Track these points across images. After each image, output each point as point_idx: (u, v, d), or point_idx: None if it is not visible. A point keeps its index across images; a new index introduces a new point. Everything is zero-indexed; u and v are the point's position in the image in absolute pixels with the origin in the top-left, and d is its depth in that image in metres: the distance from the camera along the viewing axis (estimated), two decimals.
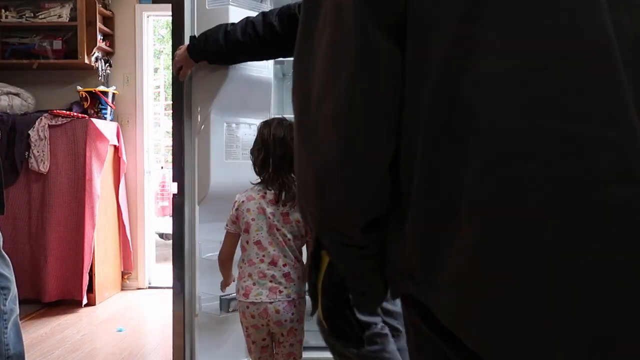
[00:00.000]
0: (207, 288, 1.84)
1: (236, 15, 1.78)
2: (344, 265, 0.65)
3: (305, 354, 1.97)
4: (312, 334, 2.20)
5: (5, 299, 1.71)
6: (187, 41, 1.80)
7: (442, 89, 0.50)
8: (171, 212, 1.88)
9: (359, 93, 0.54)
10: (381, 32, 0.52)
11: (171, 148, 1.90)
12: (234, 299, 1.68)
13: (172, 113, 1.91)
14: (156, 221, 4.68)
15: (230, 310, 1.78)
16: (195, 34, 1.80)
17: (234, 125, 1.87)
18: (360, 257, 0.63)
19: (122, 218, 3.47)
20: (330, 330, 0.72)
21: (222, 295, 1.77)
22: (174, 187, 1.86)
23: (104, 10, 3.50)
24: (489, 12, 0.49)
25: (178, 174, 1.86)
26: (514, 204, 0.46)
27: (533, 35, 0.47)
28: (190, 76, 1.82)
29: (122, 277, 3.57)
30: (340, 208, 0.58)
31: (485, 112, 0.48)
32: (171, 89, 1.88)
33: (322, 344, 1.69)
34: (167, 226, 5.97)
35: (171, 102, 1.89)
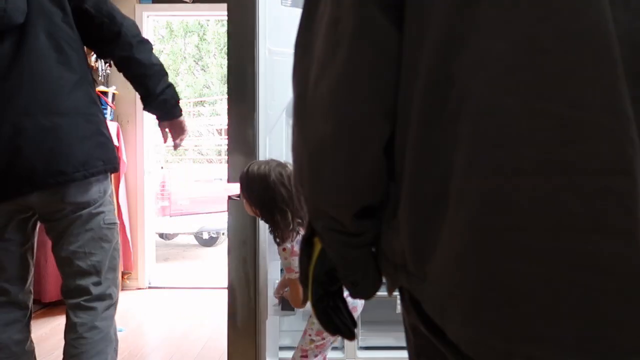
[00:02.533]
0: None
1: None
2: (335, 253, 0.64)
3: (281, 354, 1.99)
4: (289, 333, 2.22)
5: None
6: (262, 46, 1.71)
7: (438, 68, 0.50)
8: (228, 212, 1.77)
9: (355, 70, 0.53)
10: (380, 10, 0.52)
11: (227, 147, 1.80)
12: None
13: (231, 111, 1.75)
14: (156, 221, 4.68)
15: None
16: (267, 37, 1.72)
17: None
18: (352, 245, 0.62)
19: (122, 218, 3.47)
20: (318, 319, 0.71)
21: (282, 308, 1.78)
22: (233, 188, 1.73)
23: None
24: None
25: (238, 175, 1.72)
26: (504, 189, 0.45)
27: (534, 17, 0.46)
28: (254, 73, 1.72)
29: (122, 277, 3.57)
30: (333, 190, 0.58)
31: (481, 93, 0.47)
32: (228, 85, 1.75)
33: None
34: (167, 226, 6.00)
35: (228, 99, 1.76)
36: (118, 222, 1.56)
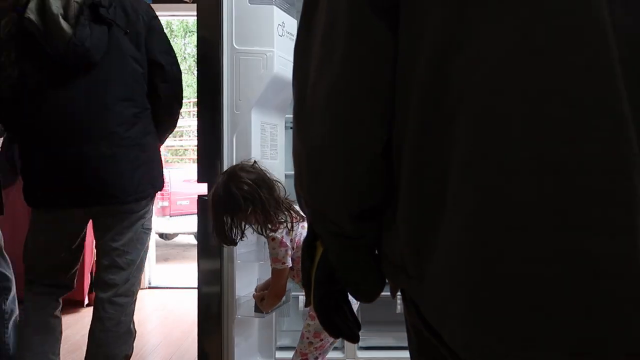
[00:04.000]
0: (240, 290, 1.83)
1: (279, 16, 1.79)
2: (335, 256, 0.64)
3: (280, 354, 1.99)
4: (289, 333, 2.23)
5: (6, 299, 1.72)
6: (227, 45, 1.71)
7: (435, 70, 0.50)
8: (198, 212, 1.76)
9: (351, 73, 0.53)
10: (375, 13, 0.52)
11: (196, 148, 1.80)
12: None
13: (200, 112, 1.76)
14: (156, 221, 4.67)
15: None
16: (234, 34, 1.73)
17: (266, 125, 1.86)
18: (352, 248, 0.62)
19: None
20: (321, 322, 0.71)
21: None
22: (201, 188, 1.74)
23: None
24: None
25: (207, 175, 1.74)
26: (501, 189, 0.45)
27: (528, 18, 0.46)
28: (219, 72, 1.72)
29: None
30: (331, 193, 0.58)
31: (477, 94, 0.47)
32: (197, 87, 1.77)
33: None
34: (168, 226, 6.00)
35: (197, 100, 1.77)
36: (152, 227, 1.77)
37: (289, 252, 1.59)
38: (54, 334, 1.67)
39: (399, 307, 2.07)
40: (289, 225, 1.58)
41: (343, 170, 0.56)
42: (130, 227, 1.65)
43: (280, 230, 1.58)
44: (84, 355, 1.65)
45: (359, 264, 0.64)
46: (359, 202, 0.58)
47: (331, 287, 0.69)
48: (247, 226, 1.59)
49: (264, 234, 1.59)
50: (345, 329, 0.71)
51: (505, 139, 0.45)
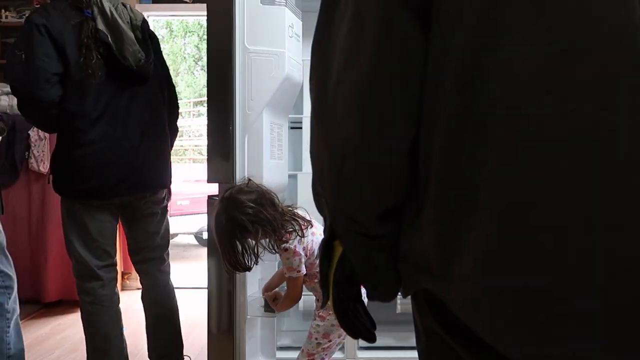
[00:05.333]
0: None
1: (289, 18, 1.79)
2: (356, 256, 0.63)
3: (281, 354, 1.99)
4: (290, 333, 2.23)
5: (9, 298, 1.72)
6: (239, 45, 1.74)
7: (467, 72, 0.49)
8: (208, 212, 1.75)
9: (381, 70, 0.52)
10: (406, 10, 0.52)
11: (207, 147, 1.79)
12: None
13: (210, 111, 1.77)
14: None
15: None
16: (246, 34, 1.75)
17: (274, 125, 1.86)
18: (374, 248, 0.61)
19: None
20: (340, 322, 0.70)
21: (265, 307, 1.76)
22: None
23: None
24: None
25: (217, 175, 1.75)
26: (539, 190, 0.45)
27: (562, 19, 0.46)
28: (231, 72, 1.74)
29: (122, 277, 3.57)
30: (356, 192, 0.57)
31: (511, 97, 0.47)
32: (207, 86, 1.76)
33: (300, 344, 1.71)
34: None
35: (207, 100, 1.77)
36: None
37: (303, 260, 1.58)
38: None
39: (399, 307, 2.06)
40: (300, 232, 1.55)
41: (370, 171, 0.56)
42: (160, 214, 2.04)
43: (291, 240, 1.55)
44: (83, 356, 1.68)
45: (379, 264, 0.63)
46: (385, 202, 0.58)
47: (350, 288, 0.68)
48: (258, 248, 1.55)
49: (276, 249, 1.56)
50: (362, 328, 0.70)
51: (538, 142, 0.46)
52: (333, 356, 1.73)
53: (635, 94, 0.45)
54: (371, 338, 0.71)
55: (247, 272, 1.66)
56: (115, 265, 1.94)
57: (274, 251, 1.57)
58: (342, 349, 2.02)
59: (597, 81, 0.45)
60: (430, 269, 0.55)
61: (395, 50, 0.52)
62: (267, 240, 1.55)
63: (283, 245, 1.55)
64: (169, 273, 2.06)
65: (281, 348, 2.08)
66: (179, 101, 2.11)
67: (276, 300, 1.68)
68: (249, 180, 1.60)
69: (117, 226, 1.95)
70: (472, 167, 0.49)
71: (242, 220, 1.49)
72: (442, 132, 0.51)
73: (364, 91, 0.53)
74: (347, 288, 0.68)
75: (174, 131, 2.06)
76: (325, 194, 0.61)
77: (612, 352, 0.45)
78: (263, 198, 1.55)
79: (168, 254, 2.07)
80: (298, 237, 1.56)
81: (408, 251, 0.59)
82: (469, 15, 0.49)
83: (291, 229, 1.55)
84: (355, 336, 0.71)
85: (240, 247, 1.51)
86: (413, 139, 0.54)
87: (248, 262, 1.53)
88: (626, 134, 0.44)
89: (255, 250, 1.54)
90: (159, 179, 1.94)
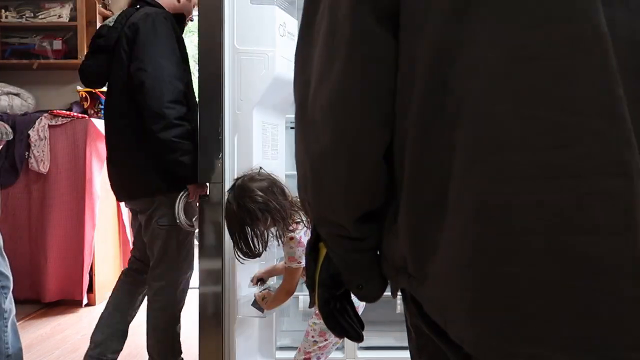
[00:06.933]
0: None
1: (280, 16, 1.78)
2: (340, 258, 0.65)
3: (280, 354, 1.98)
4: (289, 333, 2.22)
5: (5, 298, 1.72)
6: (227, 43, 1.73)
7: (434, 77, 0.50)
8: (200, 212, 1.77)
9: (353, 80, 0.54)
10: (375, 19, 0.53)
11: (198, 147, 1.76)
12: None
13: (201, 112, 1.73)
14: None
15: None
16: (236, 34, 1.75)
17: (267, 125, 1.86)
18: (356, 250, 0.63)
19: (122, 218, 3.47)
20: (325, 322, 0.72)
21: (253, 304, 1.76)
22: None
23: (104, 10, 3.50)
24: (481, 0, 0.48)
25: (208, 175, 1.74)
26: (500, 194, 0.46)
27: (524, 24, 0.46)
28: (222, 73, 1.72)
29: None
30: (335, 197, 0.59)
31: (475, 100, 0.47)
32: (198, 86, 1.74)
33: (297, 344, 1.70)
34: None
35: (198, 100, 1.76)
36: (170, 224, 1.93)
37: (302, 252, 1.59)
38: None
39: (399, 307, 2.06)
40: (306, 223, 1.56)
41: (346, 177, 0.57)
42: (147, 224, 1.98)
43: (298, 230, 1.57)
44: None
45: (362, 266, 0.64)
46: (363, 205, 0.59)
47: (335, 289, 0.70)
48: (268, 235, 1.57)
49: (283, 237, 1.57)
50: (349, 328, 0.72)
51: (504, 144, 0.46)
52: (333, 356, 1.73)
53: (596, 95, 0.45)
54: (358, 338, 0.73)
55: (242, 272, 1.66)
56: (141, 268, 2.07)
57: (281, 240, 1.58)
58: (342, 349, 2.02)
59: (560, 85, 0.45)
60: (406, 269, 0.56)
61: (366, 60, 0.54)
62: (276, 228, 1.56)
63: (289, 234, 1.56)
64: (153, 299, 1.98)
65: (281, 348, 2.08)
66: (165, 108, 1.77)
67: (265, 299, 1.68)
68: (260, 168, 1.62)
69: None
70: (440, 171, 0.50)
71: (251, 209, 1.51)
72: (411, 136, 0.53)
73: (337, 102, 0.55)
74: (332, 288, 0.69)
75: (150, 142, 1.78)
76: (308, 198, 0.63)
77: (568, 353, 0.44)
78: (274, 186, 1.57)
79: (166, 278, 1.94)
80: (305, 228, 1.57)
81: (388, 253, 0.61)
82: (435, 20, 0.50)
83: (299, 220, 1.57)
84: (340, 335, 0.73)
85: (250, 234, 1.54)
86: (387, 146, 0.56)
87: (258, 248, 1.56)
88: (587, 136, 0.44)
89: (265, 237, 1.56)
90: (125, 189, 1.97)
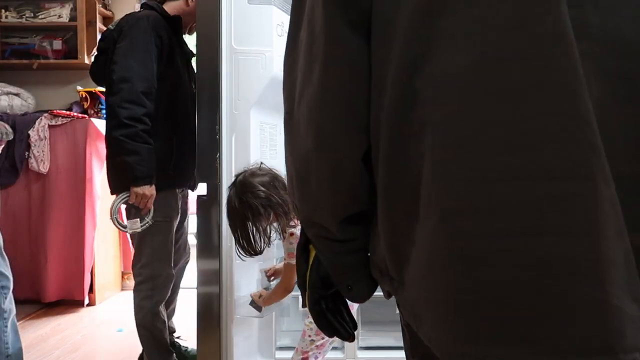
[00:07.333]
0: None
1: (278, 16, 1.77)
2: (327, 259, 0.66)
3: (280, 354, 1.98)
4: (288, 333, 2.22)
5: (5, 298, 1.72)
6: (225, 42, 1.73)
7: (403, 83, 0.51)
8: (197, 212, 1.75)
9: (329, 88, 0.55)
10: (349, 28, 0.54)
11: (195, 147, 1.76)
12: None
13: (199, 112, 1.74)
14: None
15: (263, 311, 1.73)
16: (233, 34, 1.74)
17: (265, 125, 1.85)
18: (342, 252, 0.64)
19: (122, 219, 3.46)
20: (315, 321, 0.73)
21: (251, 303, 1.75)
22: (201, 188, 1.76)
23: (104, 11, 3.50)
24: (446, 5, 0.48)
25: (206, 175, 1.73)
26: (470, 197, 0.46)
27: (489, 28, 0.46)
28: (220, 73, 1.72)
29: (122, 277, 3.57)
30: (318, 201, 0.61)
31: (441, 106, 0.48)
32: (196, 86, 1.75)
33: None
34: None
35: (196, 100, 1.75)
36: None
37: None
38: None
39: None
40: None
41: (328, 179, 0.59)
42: None
43: (299, 226, 1.56)
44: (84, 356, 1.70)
45: (350, 267, 0.65)
46: (347, 208, 0.60)
47: (325, 290, 0.70)
48: (271, 231, 1.55)
49: (285, 232, 1.56)
50: (340, 328, 0.72)
51: (470, 148, 0.46)
52: (333, 356, 1.73)
53: (558, 98, 0.45)
54: (349, 338, 0.74)
55: (241, 272, 1.66)
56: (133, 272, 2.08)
57: (283, 235, 1.57)
58: (342, 349, 2.02)
59: (521, 88, 0.45)
60: (388, 273, 0.57)
61: (340, 67, 0.55)
62: (278, 223, 1.55)
63: (290, 230, 1.55)
64: (133, 295, 2.03)
65: (281, 348, 2.08)
66: (118, 107, 1.80)
67: (262, 297, 1.68)
68: (261, 163, 1.60)
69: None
70: (411, 175, 0.51)
71: (253, 205, 1.49)
72: (384, 142, 0.54)
73: (317, 107, 0.57)
74: (322, 289, 0.70)
75: (107, 141, 1.88)
76: (295, 200, 0.64)
77: (532, 353, 0.45)
78: (276, 180, 1.55)
79: (141, 275, 2.00)
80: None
81: (374, 256, 0.62)
82: (404, 27, 0.51)
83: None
84: (330, 335, 0.74)
85: (253, 231, 1.51)
86: (367, 150, 0.57)
87: (260, 245, 1.53)
88: (549, 139, 0.45)
89: (268, 233, 1.54)
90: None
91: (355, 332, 0.75)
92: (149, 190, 1.84)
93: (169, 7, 2.04)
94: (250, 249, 1.54)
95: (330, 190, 0.59)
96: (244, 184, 1.54)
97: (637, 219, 0.46)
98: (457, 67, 0.47)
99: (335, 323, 0.72)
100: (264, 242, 1.54)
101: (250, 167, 1.61)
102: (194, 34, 1.82)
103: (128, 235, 3.31)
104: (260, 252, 1.57)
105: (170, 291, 2.09)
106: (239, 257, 1.60)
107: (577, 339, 0.43)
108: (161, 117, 1.88)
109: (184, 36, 2.14)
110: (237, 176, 1.59)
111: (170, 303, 2.20)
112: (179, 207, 2.07)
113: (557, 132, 0.44)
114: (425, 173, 0.49)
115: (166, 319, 2.10)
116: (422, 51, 0.49)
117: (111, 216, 1.93)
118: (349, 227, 0.61)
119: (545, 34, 0.46)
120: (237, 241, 1.55)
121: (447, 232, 0.47)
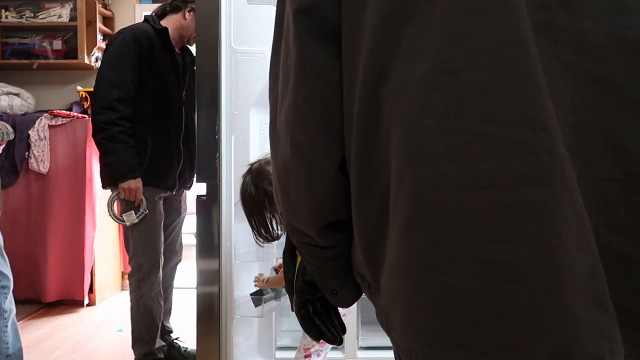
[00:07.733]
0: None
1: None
2: (311, 265, 0.67)
3: (280, 354, 1.98)
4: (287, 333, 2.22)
5: (5, 298, 1.72)
6: (224, 42, 1.74)
7: (370, 94, 0.52)
8: (197, 212, 1.76)
9: (301, 100, 0.57)
10: (321, 42, 0.56)
11: (195, 148, 1.78)
12: (266, 298, 1.69)
13: (198, 112, 1.75)
14: None
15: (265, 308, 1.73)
16: (233, 34, 1.74)
17: (264, 125, 1.86)
18: (326, 257, 0.65)
19: (119, 213, 3.46)
20: (301, 325, 0.74)
21: (252, 294, 1.75)
22: (199, 189, 1.77)
23: (104, 10, 3.50)
24: (406, 17, 0.49)
25: (206, 175, 1.74)
26: (428, 204, 0.47)
27: (445, 39, 0.47)
28: (219, 73, 1.72)
29: (122, 277, 3.57)
30: (297, 208, 0.62)
31: (404, 116, 0.49)
32: (196, 87, 1.76)
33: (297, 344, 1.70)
34: None
35: (196, 101, 1.77)
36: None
37: None
38: None
39: None
40: None
41: (304, 188, 0.60)
42: None
43: None
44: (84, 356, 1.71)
45: (334, 272, 0.66)
46: (326, 215, 0.61)
47: (312, 295, 0.72)
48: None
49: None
50: (327, 331, 0.74)
51: (432, 157, 0.47)
52: (332, 356, 1.73)
53: (516, 106, 0.45)
54: (336, 342, 0.75)
55: (240, 272, 1.66)
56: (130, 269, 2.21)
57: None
58: (342, 349, 2.02)
59: (479, 96, 0.45)
60: (366, 278, 0.59)
61: (312, 82, 0.57)
62: None
63: None
64: (131, 290, 2.18)
65: (281, 348, 2.08)
66: (95, 113, 2.08)
67: (266, 282, 1.68)
68: None
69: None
70: (379, 184, 0.52)
71: (270, 190, 1.50)
72: (354, 152, 0.55)
73: (292, 118, 0.58)
74: (307, 294, 0.72)
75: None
76: (279, 208, 0.66)
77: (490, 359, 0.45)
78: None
79: (130, 269, 2.18)
80: None
81: (355, 262, 0.63)
82: (369, 39, 0.52)
83: None
84: (316, 338, 0.75)
85: (269, 217, 1.53)
86: (342, 160, 0.58)
87: (277, 231, 1.55)
88: (508, 146, 0.44)
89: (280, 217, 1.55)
90: None
91: (355, 332, 0.76)
92: (134, 183, 2.02)
93: (167, 21, 2.21)
94: (267, 235, 1.56)
95: (307, 198, 0.60)
96: (260, 171, 1.55)
97: (617, 221, 0.46)
98: (415, 77, 0.48)
99: (322, 327, 0.73)
100: (281, 228, 1.55)
101: (265, 156, 1.62)
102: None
103: None
104: (278, 238, 1.58)
105: (159, 281, 2.18)
106: (257, 243, 1.61)
107: (526, 346, 0.43)
108: (138, 120, 2.06)
109: (187, 45, 2.31)
110: (252, 164, 1.60)
111: (164, 302, 2.27)
112: (158, 203, 2.18)
113: (510, 140, 0.44)
114: (392, 183, 0.50)
115: (162, 304, 2.23)
116: (385, 62, 0.50)
117: (108, 212, 2.09)
118: (330, 233, 0.62)
119: (501, 42, 0.45)
120: (254, 229, 1.56)
121: (408, 239, 0.48)
